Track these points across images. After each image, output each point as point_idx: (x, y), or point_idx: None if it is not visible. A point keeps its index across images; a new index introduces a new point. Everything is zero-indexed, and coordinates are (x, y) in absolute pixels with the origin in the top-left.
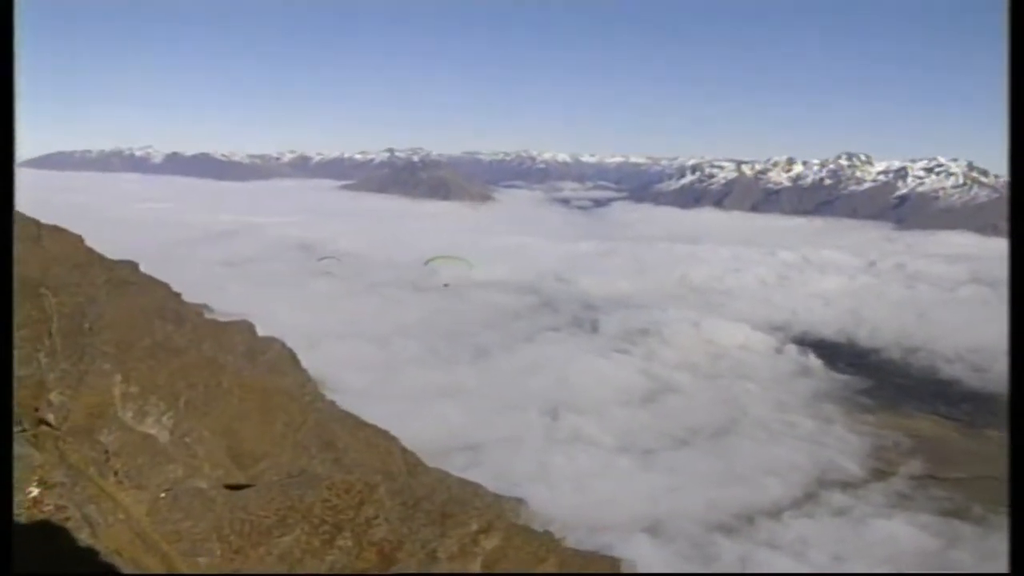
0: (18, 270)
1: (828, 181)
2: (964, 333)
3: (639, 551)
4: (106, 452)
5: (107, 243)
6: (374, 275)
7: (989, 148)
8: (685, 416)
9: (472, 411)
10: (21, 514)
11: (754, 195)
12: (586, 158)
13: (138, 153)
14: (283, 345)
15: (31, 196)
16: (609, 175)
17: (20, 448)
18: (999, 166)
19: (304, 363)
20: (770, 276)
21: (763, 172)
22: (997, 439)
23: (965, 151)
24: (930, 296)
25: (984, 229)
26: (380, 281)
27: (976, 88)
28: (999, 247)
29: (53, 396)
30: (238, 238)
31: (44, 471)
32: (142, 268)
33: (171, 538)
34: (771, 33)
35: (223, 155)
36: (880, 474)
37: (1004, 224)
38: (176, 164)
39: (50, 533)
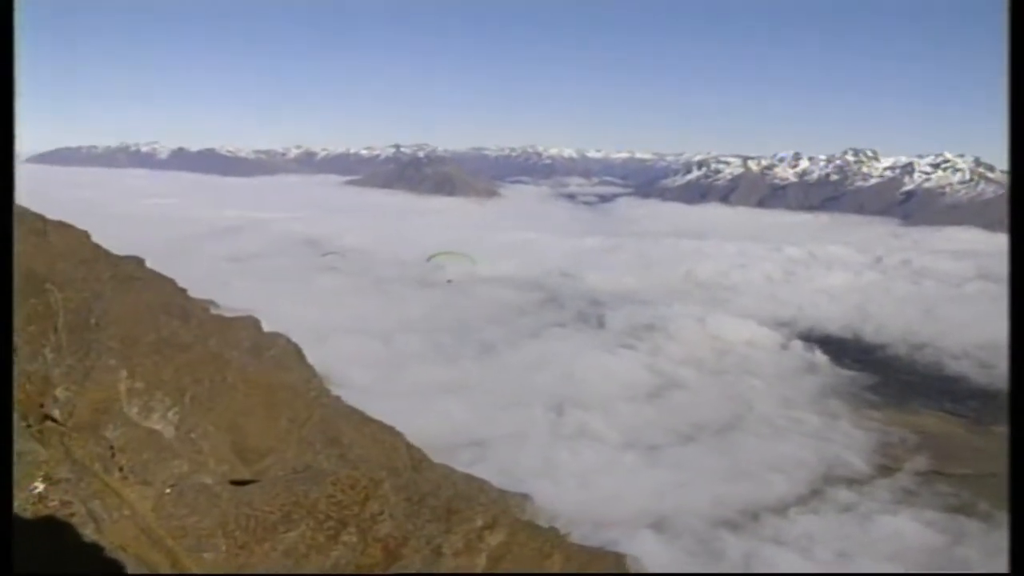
0: (24, 265)
1: (834, 177)
2: (971, 329)
3: (644, 547)
4: (111, 448)
5: (113, 239)
6: (380, 271)
7: (996, 144)
8: (691, 412)
9: (477, 407)
10: (26, 510)
11: (760, 191)
12: (592, 154)
13: (144, 149)
14: (288, 341)
15: (37, 192)
16: (615, 171)
17: (25, 444)
18: (1006, 162)
19: (309, 359)
20: (776, 272)
21: (769, 168)
22: (1003, 436)
23: (972, 147)
24: (937, 292)
25: (991, 225)
26: (385, 277)
27: (983, 84)
28: (1006, 243)
29: (58, 392)
30: (244, 234)
31: (49, 467)
32: (148, 264)
33: (176, 534)
34: (778, 29)
35: (229, 151)
36: (886, 470)
37: None
38: (182, 160)
39: (55, 529)
